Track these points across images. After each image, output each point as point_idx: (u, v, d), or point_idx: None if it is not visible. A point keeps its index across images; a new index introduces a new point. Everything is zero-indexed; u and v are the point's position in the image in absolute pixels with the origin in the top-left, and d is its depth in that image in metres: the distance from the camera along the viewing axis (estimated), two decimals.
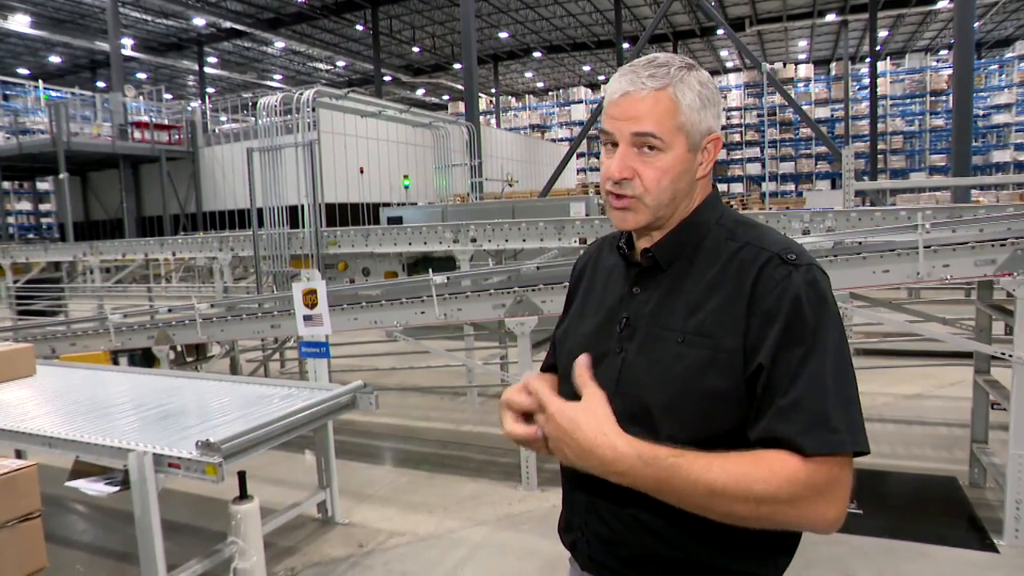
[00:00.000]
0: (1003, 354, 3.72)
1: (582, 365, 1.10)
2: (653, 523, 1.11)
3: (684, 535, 1.09)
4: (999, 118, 32.88)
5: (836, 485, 0.99)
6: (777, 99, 33.04)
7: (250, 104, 22.03)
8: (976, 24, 18.68)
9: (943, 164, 32.60)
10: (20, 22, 26.31)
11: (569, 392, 1.25)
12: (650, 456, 1.00)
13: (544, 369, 1.46)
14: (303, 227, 7.99)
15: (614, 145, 1.15)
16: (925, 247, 3.46)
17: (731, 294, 1.08)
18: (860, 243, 4.52)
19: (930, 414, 5.45)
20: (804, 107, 29.31)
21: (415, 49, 34.38)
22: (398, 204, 20.67)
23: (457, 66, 34.32)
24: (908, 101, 35.16)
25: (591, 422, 1.03)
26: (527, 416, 1.14)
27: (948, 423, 5.20)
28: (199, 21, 28.29)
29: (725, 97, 35.56)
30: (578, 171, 37.51)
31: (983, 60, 33.35)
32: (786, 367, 1.01)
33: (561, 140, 38.93)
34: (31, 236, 29.60)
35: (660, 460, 1.00)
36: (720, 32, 28.80)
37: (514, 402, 1.15)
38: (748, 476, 0.97)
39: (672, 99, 1.10)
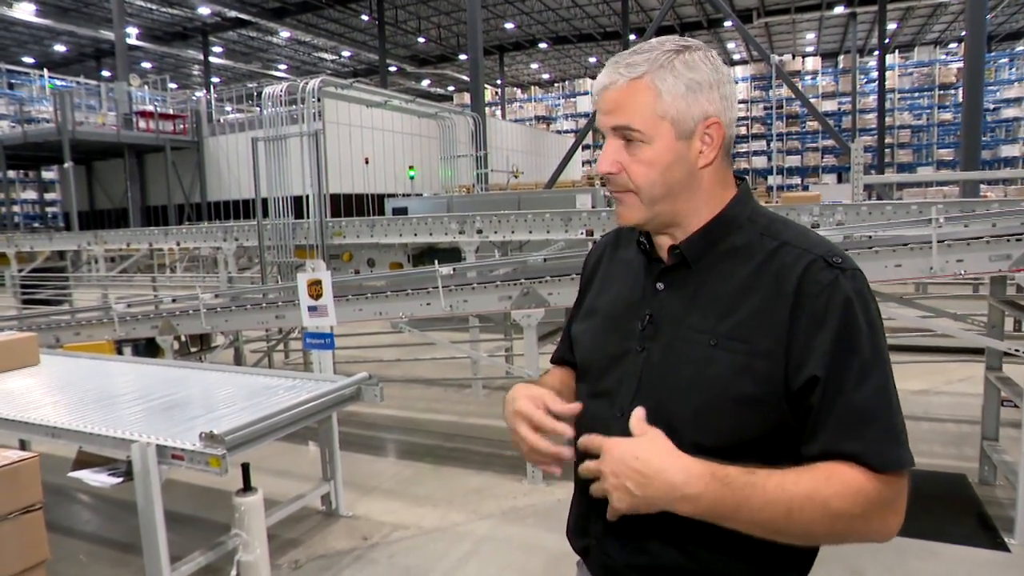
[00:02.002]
0: (1016, 350, 3.68)
1: (639, 418, 1.01)
2: (674, 534, 1.06)
3: (705, 547, 1.05)
4: (1009, 112, 32.69)
5: (900, 497, 0.98)
6: (784, 92, 32.90)
7: (255, 94, 22.00)
8: (988, 17, 18.50)
9: (951, 158, 32.42)
10: (25, 10, 26.27)
11: (587, 391, 1.21)
12: (723, 475, 0.94)
13: (554, 361, 1.42)
14: (308, 217, 7.97)
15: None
16: (939, 241, 3.41)
17: (770, 296, 1.02)
18: (870, 237, 4.49)
19: (939, 410, 5.40)
20: (811, 100, 29.12)
21: (421, 39, 34.26)
22: (403, 195, 20.61)
23: (463, 57, 34.26)
24: (916, 95, 34.96)
25: (655, 448, 0.97)
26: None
27: (957, 419, 5.16)
28: (204, 10, 28.22)
29: None
30: (583, 163, 37.38)
31: (993, 53, 33.06)
32: (846, 379, 0.97)
33: (566, 132, 38.83)
34: (36, 225, 29.59)
35: (735, 479, 0.94)
36: (727, 24, 28.62)
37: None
38: (823, 493, 0.94)
39: (650, 87, 1.04)
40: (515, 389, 1.16)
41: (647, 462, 0.96)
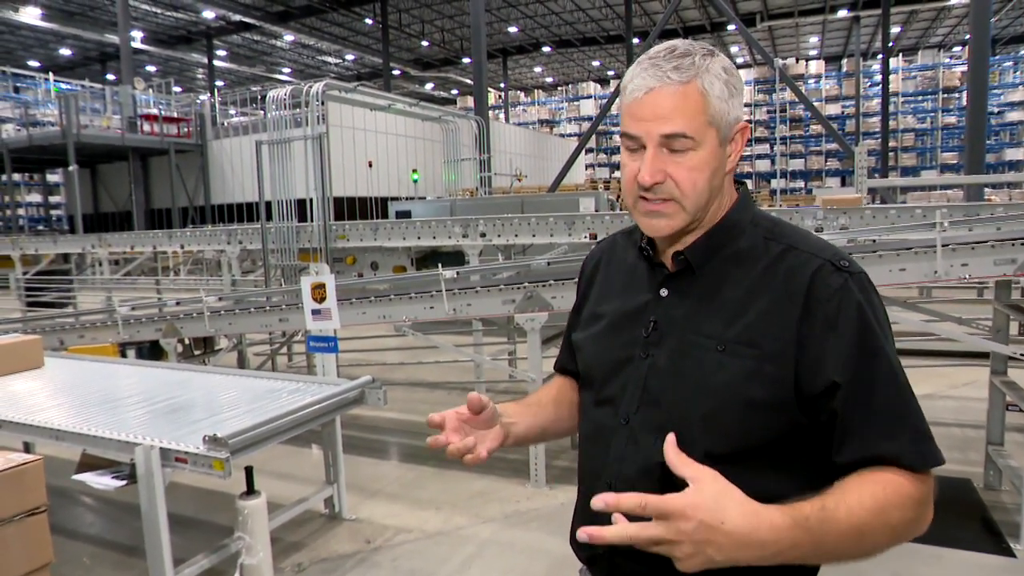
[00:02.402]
0: (1021, 355, 3.67)
1: (673, 446, 0.90)
2: None
3: None
4: (1013, 115, 32.61)
5: (932, 491, 0.99)
6: (788, 95, 32.80)
7: (259, 97, 22.04)
8: (991, 20, 18.47)
9: (955, 162, 32.37)
10: (31, 14, 26.40)
11: (591, 399, 1.20)
12: (803, 519, 0.88)
13: (557, 369, 1.42)
14: (311, 221, 7.98)
15: (641, 147, 1.05)
16: (943, 246, 3.40)
17: (778, 301, 1.02)
18: (874, 241, 4.48)
19: (943, 415, 5.38)
20: (815, 104, 29.11)
21: (424, 43, 34.31)
22: (407, 198, 20.61)
23: (466, 60, 34.29)
24: (920, 98, 34.89)
25: (733, 506, 0.86)
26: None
27: (962, 424, 5.14)
28: (208, 14, 28.31)
29: None
30: (587, 166, 37.41)
31: (997, 57, 33.02)
32: (871, 382, 0.98)
33: (570, 135, 38.81)
34: (41, 228, 29.74)
35: (813, 521, 0.89)
36: (731, 27, 28.60)
37: (623, 504, 0.87)
38: (883, 506, 0.93)
39: (701, 92, 1.02)
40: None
41: (735, 524, 0.85)
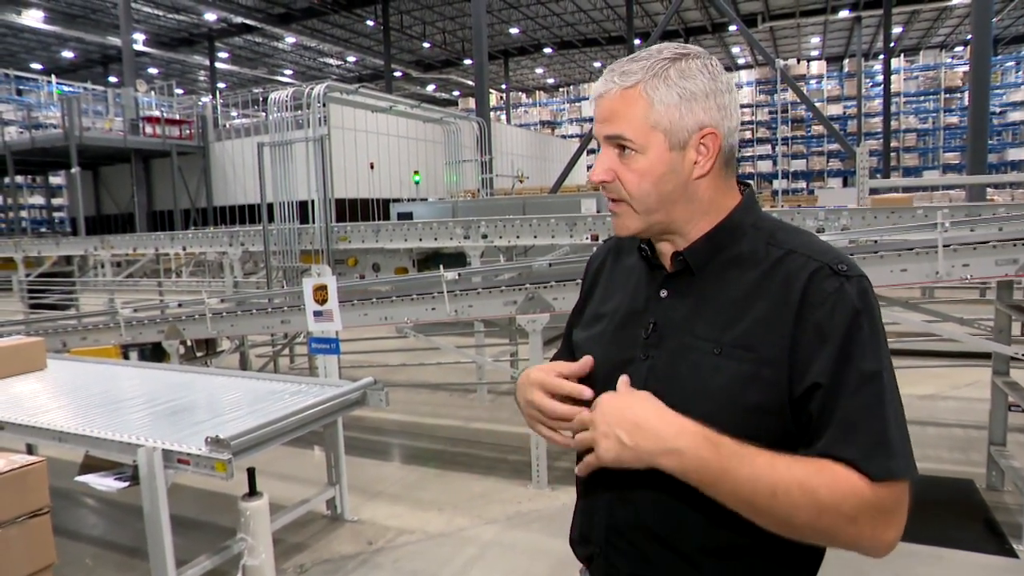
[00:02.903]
0: (1023, 355, 3.67)
1: (625, 383, 1.04)
2: (675, 541, 1.06)
3: (711, 556, 1.05)
4: (1015, 115, 32.59)
5: (897, 509, 0.95)
6: (789, 96, 32.82)
7: (261, 99, 22.09)
8: (993, 20, 18.46)
9: (957, 162, 32.34)
10: (34, 17, 26.49)
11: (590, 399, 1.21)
12: (716, 439, 0.94)
13: None
14: (313, 222, 7.99)
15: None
16: (944, 246, 3.40)
17: (775, 304, 1.01)
18: (876, 242, 4.48)
19: (945, 415, 5.38)
20: (816, 104, 29.08)
21: (426, 45, 34.36)
22: (408, 200, 20.63)
23: (468, 62, 34.32)
24: (922, 98, 34.89)
25: (650, 403, 0.99)
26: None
27: (964, 424, 5.13)
28: (210, 16, 28.38)
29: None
30: (588, 167, 37.39)
31: (999, 56, 33.00)
32: (846, 386, 0.96)
33: (571, 136, 38.87)
34: (43, 230, 29.78)
35: (726, 445, 0.94)
36: (732, 28, 28.63)
37: (546, 382, 1.09)
38: (813, 481, 0.92)
39: (643, 96, 1.03)
40: (525, 372, 1.16)
41: (642, 413, 0.97)
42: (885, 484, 0.93)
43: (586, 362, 1.12)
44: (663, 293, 1.13)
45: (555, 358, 1.41)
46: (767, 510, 0.93)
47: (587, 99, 40.57)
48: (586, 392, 1.05)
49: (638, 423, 0.96)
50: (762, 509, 0.93)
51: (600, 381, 1.18)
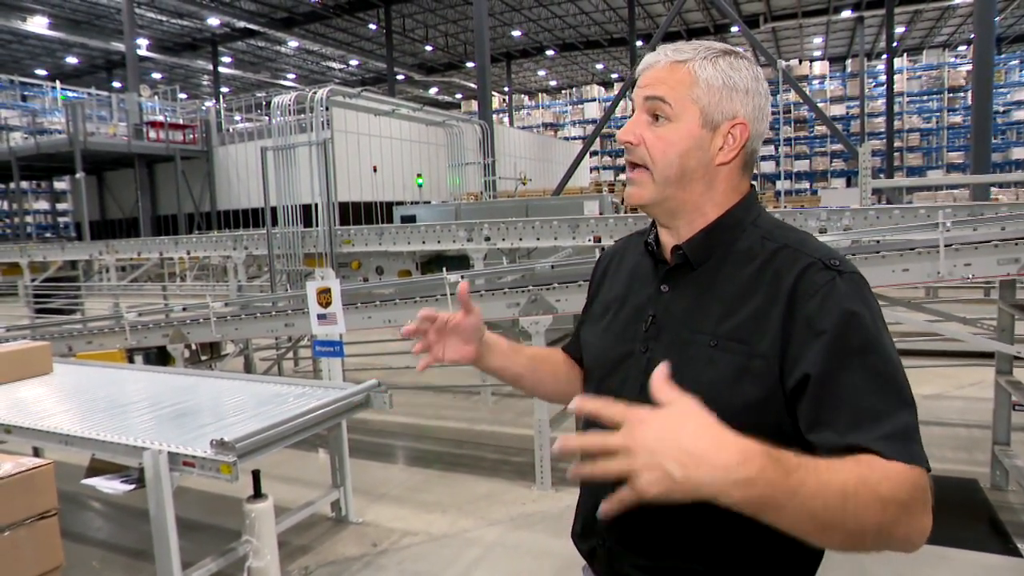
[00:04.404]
0: None
1: (663, 378, 0.84)
2: (678, 534, 1.07)
3: (713, 548, 1.06)
4: (1019, 114, 32.46)
5: (928, 494, 0.88)
6: (792, 97, 32.76)
7: (264, 103, 22.16)
8: (997, 19, 18.42)
9: (961, 161, 32.23)
10: (38, 23, 26.60)
11: (592, 391, 1.22)
12: (778, 454, 0.79)
13: (565, 350, 1.45)
14: (317, 226, 8.01)
15: None
16: (946, 246, 3.40)
17: (768, 298, 1.03)
18: (878, 242, 4.48)
19: (949, 415, 5.37)
20: (819, 104, 29.03)
21: (428, 48, 34.41)
22: (411, 203, 20.68)
23: (470, 64, 34.33)
24: (925, 98, 34.76)
25: (701, 422, 0.79)
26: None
27: (968, 424, 5.13)
28: (213, 21, 28.47)
29: None
30: (591, 169, 37.41)
31: (1003, 55, 32.89)
32: (846, 374, 0.94)
33: (574, 138, 38.83)
34: (48, 235, 29.87)
35: (788, 458, 0.80)
36: (734, 29, 28.58)
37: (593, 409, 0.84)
38: (868, 476, 0.83)
39: (690, 72, 1.08)
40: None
41: (694, 437, 0.77)
42: (914, 467, 0.89)
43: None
44: (663, 287, 1.15)
45: (567, 343, 1.45)
46: (838, 520, 0.81)
47: (590, 101, 40.58)
48: (619, 415, 0.81)
49: (691, 451, 0.76)
50: (833, 520, 0.81)
51: (601, 374, 1.21)
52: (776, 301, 1.02)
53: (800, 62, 36.85)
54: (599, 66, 40.57)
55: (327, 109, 8.71)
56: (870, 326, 0.98)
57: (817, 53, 37.66)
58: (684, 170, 1.09)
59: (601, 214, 8.03)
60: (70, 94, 27.08)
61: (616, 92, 29.00)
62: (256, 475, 3.16)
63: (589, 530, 1.21)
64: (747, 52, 1.13)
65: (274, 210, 8.29)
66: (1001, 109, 31.44)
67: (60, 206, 31.85)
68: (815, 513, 0.80)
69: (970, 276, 3.43)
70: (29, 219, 29.60)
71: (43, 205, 32.73)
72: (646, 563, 1.12)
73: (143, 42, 28.52)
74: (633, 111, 1.15)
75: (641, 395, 1.09)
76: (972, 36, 19.77)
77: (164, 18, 28.33)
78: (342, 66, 38.35)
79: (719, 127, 1.08)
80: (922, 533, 0.87)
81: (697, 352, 1.06)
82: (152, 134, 21.85)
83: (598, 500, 1.15)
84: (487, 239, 6.61)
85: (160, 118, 22.67)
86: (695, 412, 0.80)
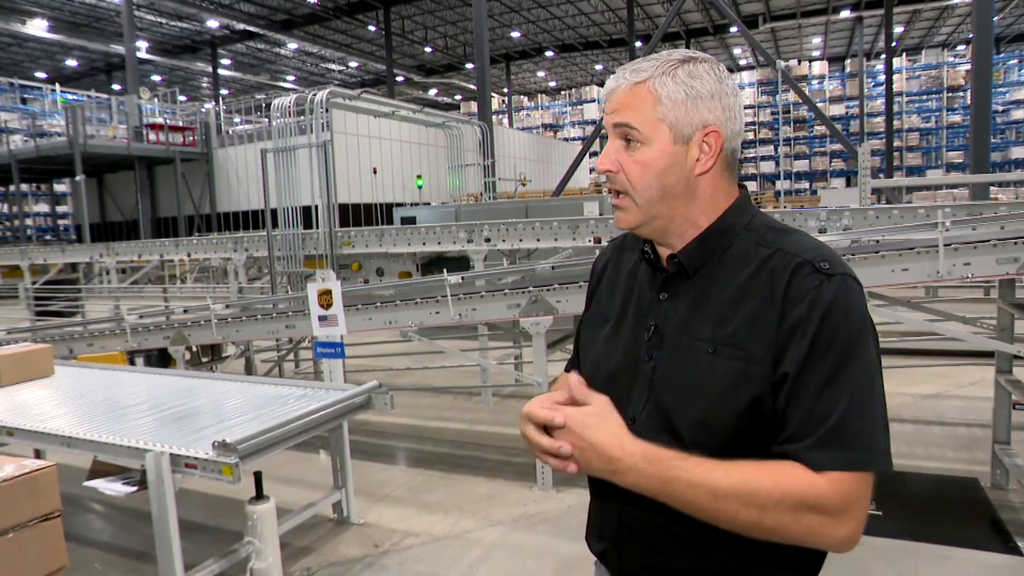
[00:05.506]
0: None
1: (576, 383, 1.09)
2: (684, 534, 1.08)
3: (720, 550, 1.07)
4: (1018, 114, 32.48)
5: (849, 504, 0.96)
6: (791, 97, 32.82)
7: (264, 105, 22.18)
8: (995, 18, 18.43)
9: (960, 161, 32.25)
10: (38, 26, 26.62)
11: None
12: (654, 456, 1.01)
13: (569, 369, 1.44)
14: (317, 227, 8.02)
15: None
16: (945, 245, 3.41)
17: (762, 303, 1.04)
18: (878, 241, 4.49)
19: (950, 414, 5.38)
20: (819, 104, 29.04)
21: (427, 49, 34.43)
22: (411, 204, 20.70)
23: (469, 66, 34.37)
24: (924, 97, 34.79)
25: (600, 423, 1.04)
26: (547, 430, 1.08)
27: (968, 423, 5.13)
28: (213, 23, 28.50)
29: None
30: (591, 170, 37.43)
31: (1001, 55, 32.93)
32: (809, 380, 0.99)
33: (574, 139, 38.88)
34: (48, 238, 29.88)
35: (664, 461, 1.00)
36: (733, 30, 28.62)
37: (534, 415, 1.09)
38: (751, 483, 0.97)
39: (651, 91, 1.09)
40: (528, 404, 1.15)
41: (594, 435, 1.03)
42: (834, 476, 0.95)
43: (575, 383, 1.11)
44: (663, 296, 1.16)
45: (568, 363, 1.44)
46: (713, 513, 0.99)
47: (589, 102, 40.65)
48: (557, 419, 1.05)
49: (593, 445, 1.03)
50: (709, 513, 1.00)
51: (605, 381, 1.21)
52: (770, 306, 1.04)
53: (799, 62, 36.88)
54: (598, 67, 40.60)
55: (327, 111, 8.72)
56: (846, 334, 1.00)
57: (816, 53, 37.68)
58: (665, 188, 1.10)
59: (601, 215, 8.04)
60: (70, 97, 27.13)
61: None
62: (258, 476, 3.16)
63: (600, 533, 1.23)
64: (706, 55, 1.14)
65: (274, 212, 8.29)
66: (1000, 108, 31.48)
67: (60, 209, 31.88)
68: (689, 503, 1.00)
69: (969, 275, 3.44)
70: (29, 222, 29.64)
71: (43, 208, 32.75)
72: (656, 564, 1.13)
73: (143, 44, 28.55)
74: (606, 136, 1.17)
75: (647, 402, 1.10)
76: (971, 36, 19.77)
77: (164, 20, 28.36)
78: (341, 68, 38.38)
79: (691, 139, 1.09)
80: (832, 540, 0.98)
81: (697, 359, 1.07)
82: (152, 136, 21.86)
83: (608, 504, 1.17)
84: (487, 240, 6.62)
85: (160, 120, 22.68)
86: (600, 412, 1.06)
